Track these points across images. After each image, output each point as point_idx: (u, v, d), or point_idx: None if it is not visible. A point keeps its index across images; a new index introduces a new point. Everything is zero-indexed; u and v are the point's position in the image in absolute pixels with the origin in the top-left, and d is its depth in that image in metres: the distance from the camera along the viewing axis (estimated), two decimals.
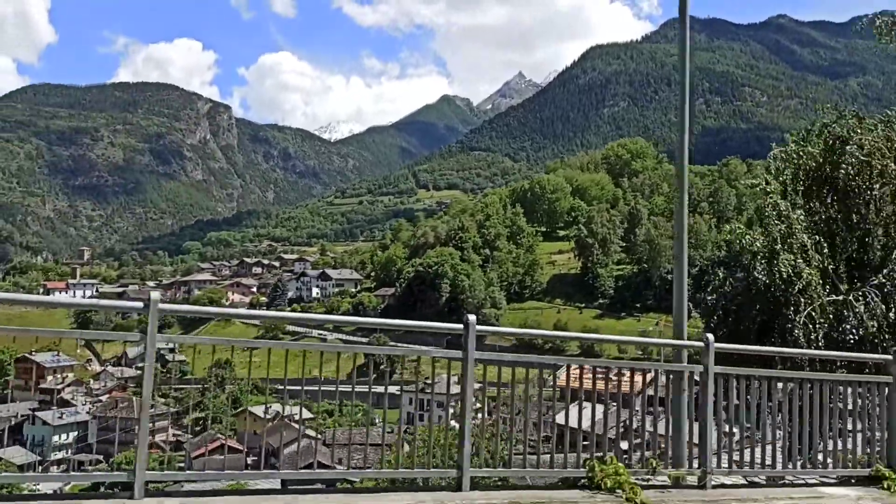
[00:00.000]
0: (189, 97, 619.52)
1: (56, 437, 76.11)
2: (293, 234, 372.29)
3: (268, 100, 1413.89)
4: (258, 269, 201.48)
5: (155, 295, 5.56)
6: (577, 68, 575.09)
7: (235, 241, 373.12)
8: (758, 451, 7.89)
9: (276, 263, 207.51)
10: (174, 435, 76.23)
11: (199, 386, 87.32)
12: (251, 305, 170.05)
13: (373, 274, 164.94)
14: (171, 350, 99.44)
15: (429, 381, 7.30)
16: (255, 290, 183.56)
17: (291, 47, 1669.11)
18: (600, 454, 7.04)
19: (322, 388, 10.80)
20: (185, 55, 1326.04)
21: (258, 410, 69.41)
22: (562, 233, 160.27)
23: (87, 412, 76.00)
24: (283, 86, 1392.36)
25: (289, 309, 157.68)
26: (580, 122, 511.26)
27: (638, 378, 7.48)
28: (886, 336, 13.26)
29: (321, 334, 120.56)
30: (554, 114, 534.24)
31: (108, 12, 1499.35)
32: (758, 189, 15.10)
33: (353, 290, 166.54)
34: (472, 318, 6.58)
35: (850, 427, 8.42)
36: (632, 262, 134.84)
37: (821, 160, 14.71)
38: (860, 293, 13.67)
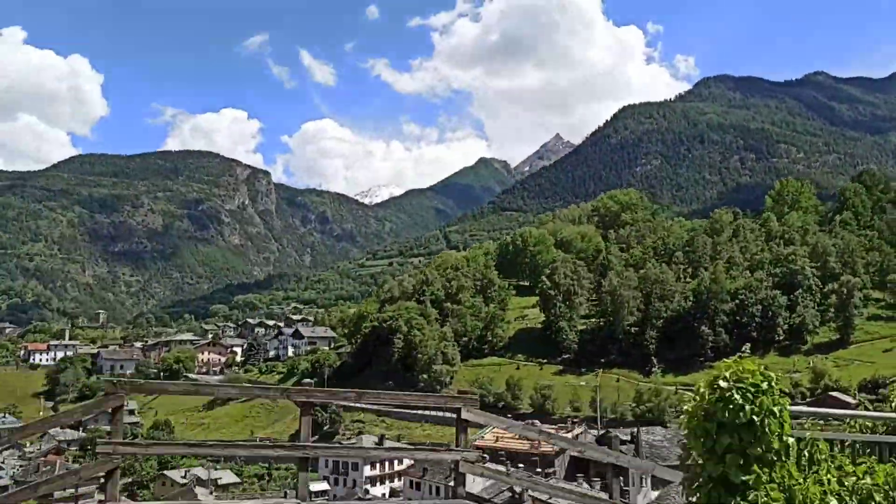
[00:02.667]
0: (229, 164, 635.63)
1: None
2: (321, 296, 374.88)
3: (310, 166, 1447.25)
4: (261, 330, 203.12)
5: None
6: (609, 128, 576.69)
7: (262, 304, 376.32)
8: None
9: (282, 324, 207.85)
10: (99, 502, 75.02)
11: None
12: (226, 365, 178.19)
13: (346, 331, 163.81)
14: (130, 412, 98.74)
15: None
16: (239, 349, 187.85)
17: (333, 114, 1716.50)
18: None
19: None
20: (230, 124, 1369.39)
21: (176, 475, 68.12)
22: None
23: (10, 476, 74.90)
24: (324, 152, 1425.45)
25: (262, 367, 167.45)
26: (613, 181, 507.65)
27: None
28: None
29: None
30: (586, 173, 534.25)
31: (157, 85, 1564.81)
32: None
33: (327, 347, 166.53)
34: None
35: None
36: (597, 314, 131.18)
37: None
38: None
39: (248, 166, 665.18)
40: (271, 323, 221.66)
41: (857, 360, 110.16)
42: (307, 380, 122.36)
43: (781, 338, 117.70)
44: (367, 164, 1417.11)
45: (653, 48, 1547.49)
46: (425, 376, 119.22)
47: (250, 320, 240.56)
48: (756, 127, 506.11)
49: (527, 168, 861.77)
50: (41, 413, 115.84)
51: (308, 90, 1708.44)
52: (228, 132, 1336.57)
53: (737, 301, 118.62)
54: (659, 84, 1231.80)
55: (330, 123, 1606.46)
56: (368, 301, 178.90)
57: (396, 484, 79.11)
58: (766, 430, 4.81)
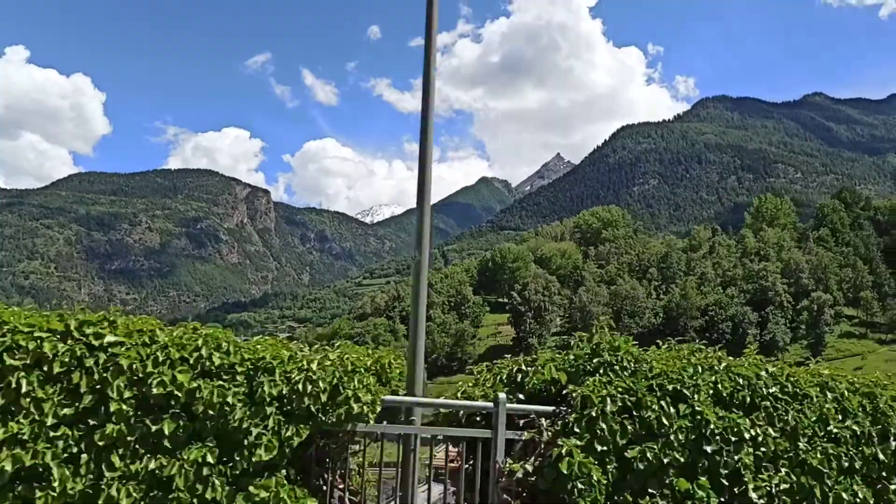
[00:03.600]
0: (228, 182, 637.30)
1: None
2: (317, 314, 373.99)
3: (311, 185, 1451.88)
4: None
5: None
6: (607, 147, 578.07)
7: (256, 323, 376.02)
8: None
9: None
10: None
11: None
12: None
13: None
14: None
15: None
16: None
17: (335, 133, 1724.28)
18: None
19: None
20: (232, 143, 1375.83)
21: None
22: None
23: None
24: (326, 171, 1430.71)
25: None
26: (610, 200, 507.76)
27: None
28: None
29: None
30: (584, 192, 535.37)
31: (159, 104, 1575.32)
32: None
33: None
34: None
35: None
36: (568, 331, 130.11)
37: None
38: None
39: (248, 185, 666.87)
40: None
41: None
42: None
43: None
44: (369, 182, 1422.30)
45: (653, 69, 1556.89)
46: None
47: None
48: (753, 147, 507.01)
49: (527, 187, 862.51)
50: None
51: (310, 109, 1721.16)
52: (230, 151, 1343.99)
53: (707, 317, 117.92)
54: (659, 105, 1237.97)
55: (332, 143, 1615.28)
56: (343, 319, 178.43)
57: None
58: None
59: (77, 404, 4.51)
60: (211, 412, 4.72)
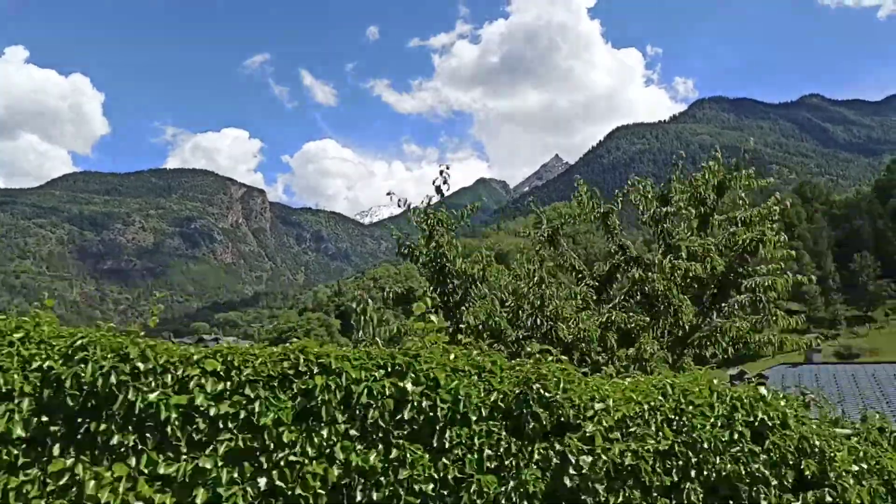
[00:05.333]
0: (223, 182, 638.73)
1: None
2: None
3: (311, 186, 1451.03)
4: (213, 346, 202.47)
5: None
6: (602, 148, 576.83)
7: (243, 322, 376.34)
8: None
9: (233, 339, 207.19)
10: None
11: None
12: None
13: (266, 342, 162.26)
14: None
15: None
16: None
17: (334, 134, 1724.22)
18: None
19: None
20: (231, 143, 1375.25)
21: None
22: None
23: None
24: (325, 172, 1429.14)
25: None
26: (603, 201, 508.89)
27: None
28: None
29: None
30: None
31: (158, 104, 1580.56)
32: None
33: None
34: None
35: None
36: None
37: None
38: None
39: (243, 185, 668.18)
40: (226, 338, 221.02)
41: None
42: None
43: None
44: (368, 183, 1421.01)
45: (652, 70, 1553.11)
46: None
47: (205, 336, 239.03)
48: (748, 148, 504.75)
49: (525, 189, 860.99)
50: None
51: (309, 110, 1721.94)
52: (229, 151, 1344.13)
53: None
54: (658, 106, 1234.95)
55: (331, 143, 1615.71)
56: (288, 312, 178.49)
57: None
58: None
59: None
60: None
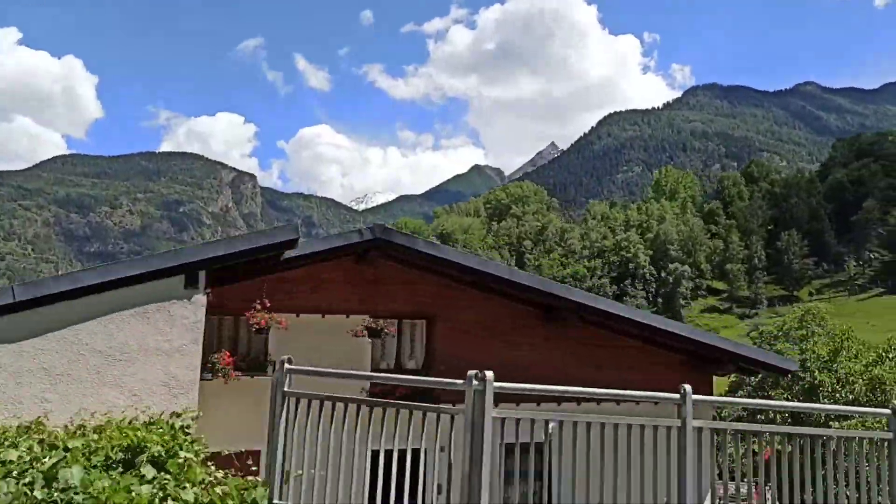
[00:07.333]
0: (213, 166, 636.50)
1: None
2: None
3: (306, 171, 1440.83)
4: None
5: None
6: (593, 135, 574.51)
7: None
8: None
9: None
10: None
11: None
12: None
13: None
14: None
15: None
16: None
17: (329, 120, 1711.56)
18: None
19: None
20: (226, 128, 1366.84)
21: None
22: None
23: None
24: (320, 157, 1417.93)
25: None
26: (594, 188, 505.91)
27: None
28: None
29: None
30: (567, 179, 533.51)
31: (151, 88, 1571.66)
32: None
33: None
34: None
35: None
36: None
37: None
38: None
39: (234, 169, 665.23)
40: None
41: None
42: None
43: None
44: (364, 169, 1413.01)
45: (649, 57, 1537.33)
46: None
47: None
48: (740, 135, 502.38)
49: (519, 176, 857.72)
50: None
51: (303, 95, 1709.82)
52: (224, 136, 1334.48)
53: None
54: (654, 93, 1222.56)
55: (326, 129, 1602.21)
56: None
57: None
58: None
59: None
60: None
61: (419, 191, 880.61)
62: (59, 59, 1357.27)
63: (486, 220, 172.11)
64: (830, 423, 20.38)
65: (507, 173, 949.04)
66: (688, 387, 5.65)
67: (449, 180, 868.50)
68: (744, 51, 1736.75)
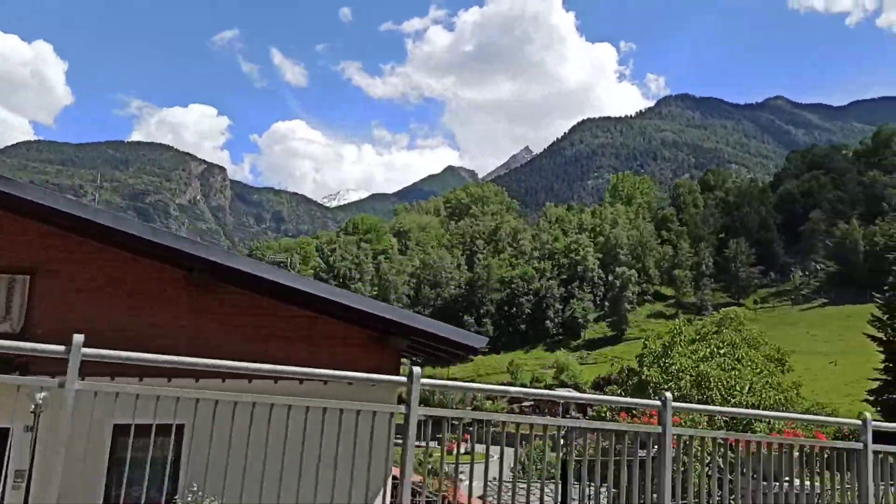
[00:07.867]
0: (183, 157, 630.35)
1: None
2: None
3: (278, 166, 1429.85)
4: None
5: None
6: (565, 140, 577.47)
7: None
8: None
9: None
10: None
11: None
12: None
13: None
14: None
15: None
16: None
17: (304, 116, 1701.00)
18: None
19: None
20: (198, 120, 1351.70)
21: None
22: None
23: None
24: (294, 153, 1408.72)
25: None
26: (564, 193, 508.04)
27: None
28: None
29: None
30: (538, 184, 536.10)
31: (123, 76, 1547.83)
32: None
33: None
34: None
35: None
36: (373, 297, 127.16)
37: None
38: None
39: (203, 161, 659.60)
40: None
41: (620, 358, 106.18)
42: None
43: (556, 332, 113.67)
44: (337, 166, 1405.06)
45: (625, 66, 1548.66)
46: None
47: None
48: (710, 146, 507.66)
49: (492, 178, 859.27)
50: None
51: (279, 89, 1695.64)
52: (196, 128, 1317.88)
53: (507, 291, 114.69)
54: (629, 102, 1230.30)
55: (300, 124, 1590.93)
56: None
57: None
58: None
59: None
60: None
61: (392, 189, 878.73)
62: (30, 43, 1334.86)
63: (446, 219, 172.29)
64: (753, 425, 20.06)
65: (480, 175, 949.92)
66: (417, 369, 5.13)
67: (423, 180, 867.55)
68: (717, 64, 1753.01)
